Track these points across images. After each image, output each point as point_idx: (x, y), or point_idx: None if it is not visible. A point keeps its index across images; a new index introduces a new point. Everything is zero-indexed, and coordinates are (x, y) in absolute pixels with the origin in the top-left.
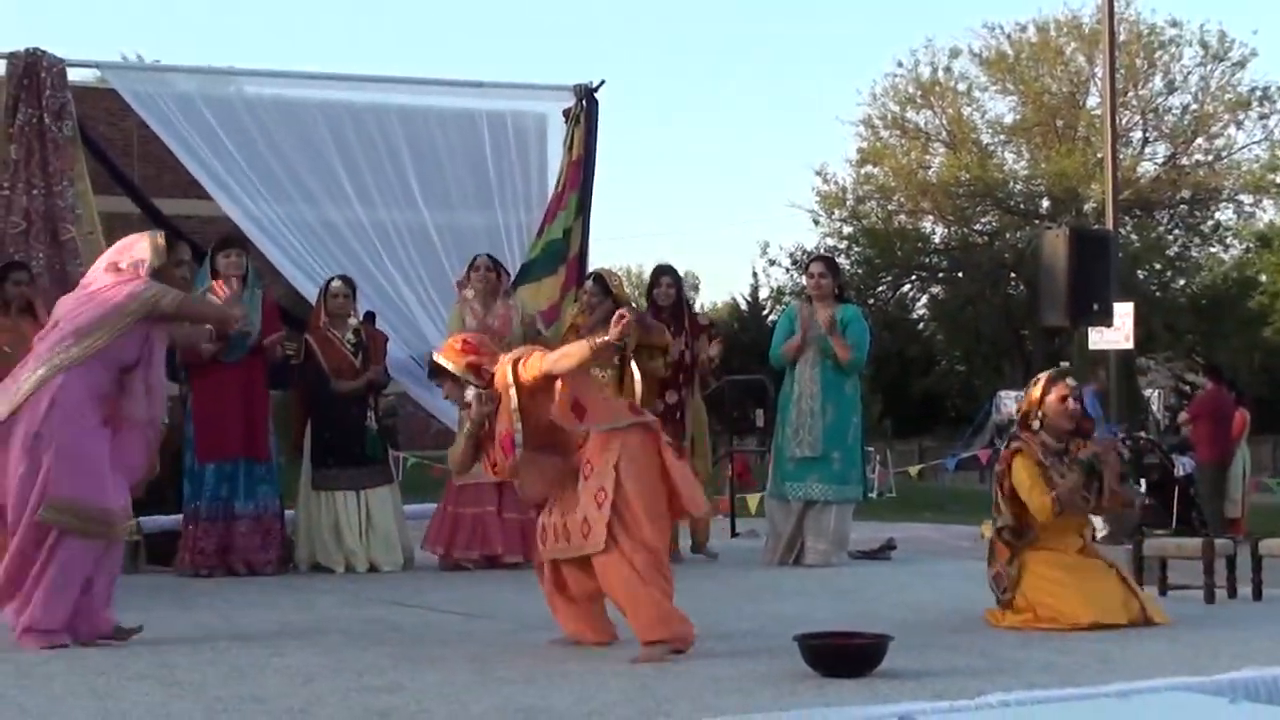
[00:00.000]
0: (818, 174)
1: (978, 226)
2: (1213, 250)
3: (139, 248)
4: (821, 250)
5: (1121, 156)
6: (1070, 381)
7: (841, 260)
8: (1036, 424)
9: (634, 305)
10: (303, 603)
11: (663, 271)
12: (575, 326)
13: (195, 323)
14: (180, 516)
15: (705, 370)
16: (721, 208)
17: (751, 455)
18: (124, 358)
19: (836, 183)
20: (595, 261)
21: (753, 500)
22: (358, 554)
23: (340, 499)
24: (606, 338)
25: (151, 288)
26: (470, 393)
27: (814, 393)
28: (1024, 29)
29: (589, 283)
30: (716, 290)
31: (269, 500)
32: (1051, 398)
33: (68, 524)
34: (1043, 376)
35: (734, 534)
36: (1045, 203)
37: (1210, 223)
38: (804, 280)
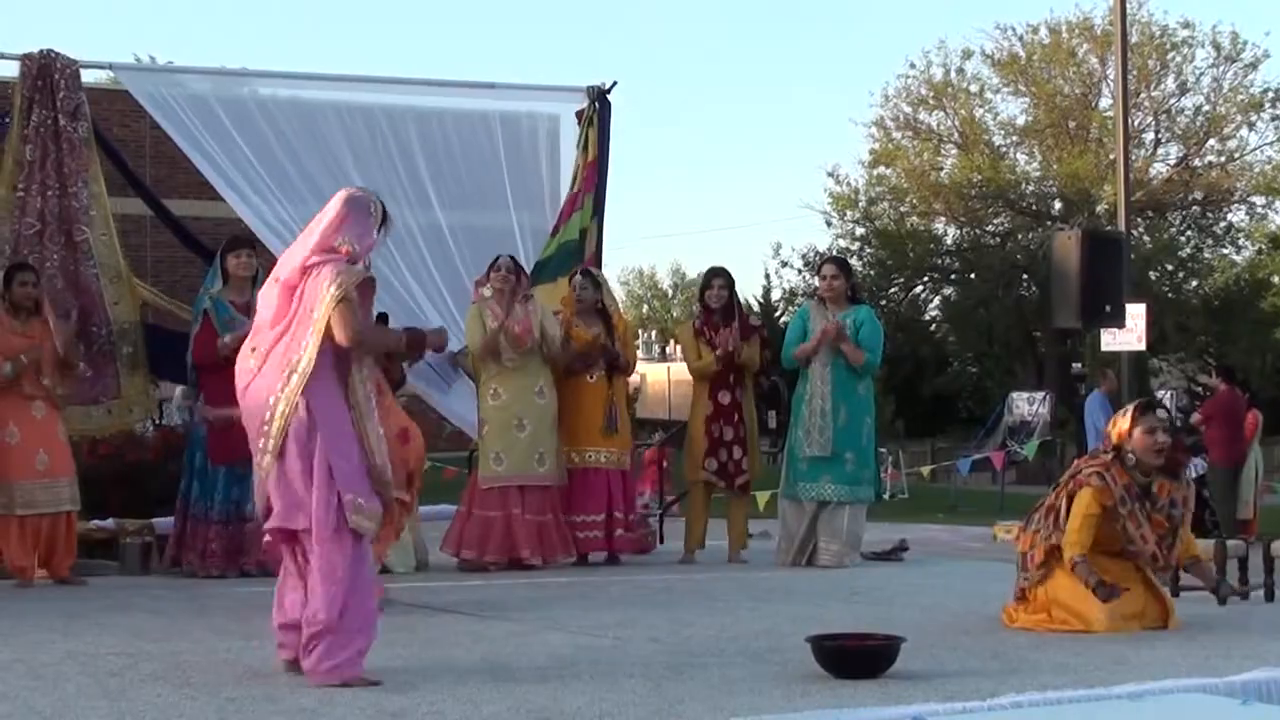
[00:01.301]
0: (830, 175)
1: (990, 228)
2: (1225, 252)
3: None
4: (834, 251)
5: (1133, 158)
6: (1160, 414)
7: (854, 261)
8: (1130, 458)
9: (613, 310)
10: None
11: (715, 274)
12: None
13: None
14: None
15: (753, 370)
16: (734, 209)
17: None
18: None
19: (849, 184)
20: (609, 262)
21: (761, 498)
22: None
23: None
24: None
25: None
26: None
27: (826, 393)
28: (1036, 30)
29: (579, 277)
30: None
31: None
32: (1139, 430)
33: (364, 526)
34: (1131, 407)
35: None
36: (1057, 204)
37: (1223, 224)
38: (816, 281)
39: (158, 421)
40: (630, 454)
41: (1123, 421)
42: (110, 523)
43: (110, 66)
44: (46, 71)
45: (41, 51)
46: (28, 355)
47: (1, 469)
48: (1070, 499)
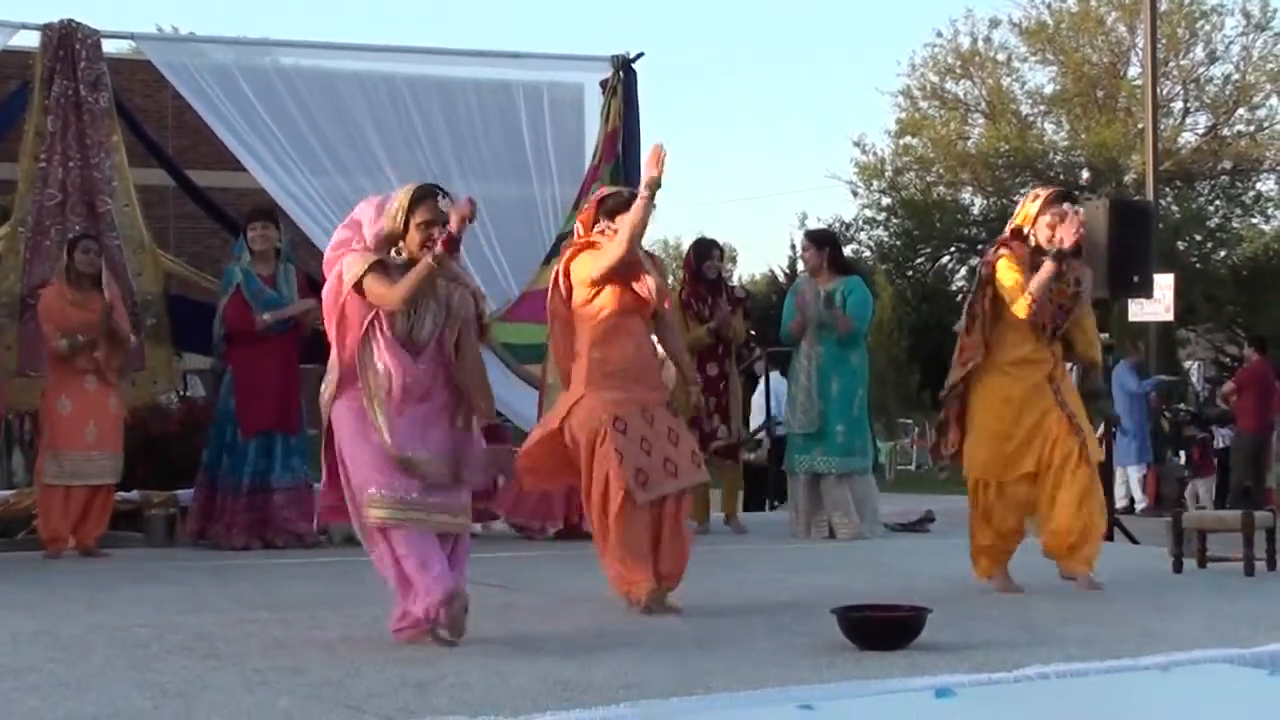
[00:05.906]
0: (856, 145)
1: (1017, 198)
2: (1254, 221)
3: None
4: (859, 222)
5: (1162, 127)
6: (1066, 207)
7: (880, 232)
8: (1031, 241)
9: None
10: (340, 575)
11: (714, 244)
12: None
13: None
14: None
15: (738, 342)
16: (759, 179)
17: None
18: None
19: (875, 154)
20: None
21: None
22: None
23: None
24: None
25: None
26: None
27: (810, 371)
28: None
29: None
30: (754, 262)
31: (302, 472)
32: (1044, 221)
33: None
34: (1043, 193)
35: (772, 507)
36: (1085, 174)
37: (1251, 194)
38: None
39: (181, 394)
40: None
41: (1030, 206)
42: (135, 494)
43: (132, 36)
44: (67, 41)
45: (62, 21)
46: (84, 335)
47: (51, 439)
48: (984, 285)
